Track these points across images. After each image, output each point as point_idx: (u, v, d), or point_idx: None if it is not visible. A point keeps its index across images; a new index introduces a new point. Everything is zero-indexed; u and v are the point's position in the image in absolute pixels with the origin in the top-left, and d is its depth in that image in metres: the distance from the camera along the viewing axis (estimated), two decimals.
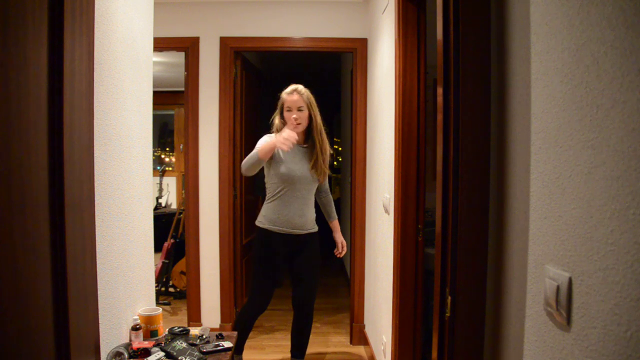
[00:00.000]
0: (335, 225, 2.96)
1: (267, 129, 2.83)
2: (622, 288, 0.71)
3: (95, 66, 1.35)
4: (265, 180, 2.75)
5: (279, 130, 2.67)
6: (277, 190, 2.67)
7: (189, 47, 3.58)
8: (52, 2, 1.08)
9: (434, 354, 1.37)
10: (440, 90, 1.32)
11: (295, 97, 2.62)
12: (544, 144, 0.96)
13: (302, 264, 2.78)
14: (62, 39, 1.11)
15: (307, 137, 2.74)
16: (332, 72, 6.48)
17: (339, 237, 2.95)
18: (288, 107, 2.63)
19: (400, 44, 2.43)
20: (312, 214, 2.76)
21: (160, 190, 6.60)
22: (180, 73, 4.86)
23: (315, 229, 2.81)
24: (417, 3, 2.42)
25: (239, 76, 3.71)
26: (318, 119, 2.69)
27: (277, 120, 2.73)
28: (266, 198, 2.74)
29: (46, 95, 1.09)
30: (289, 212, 2.66)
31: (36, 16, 1.05)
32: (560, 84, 0.89)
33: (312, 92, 2.72)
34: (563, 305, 0.86)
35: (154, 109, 2.19)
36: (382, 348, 2.87)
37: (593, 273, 0.78)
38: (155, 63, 2.55)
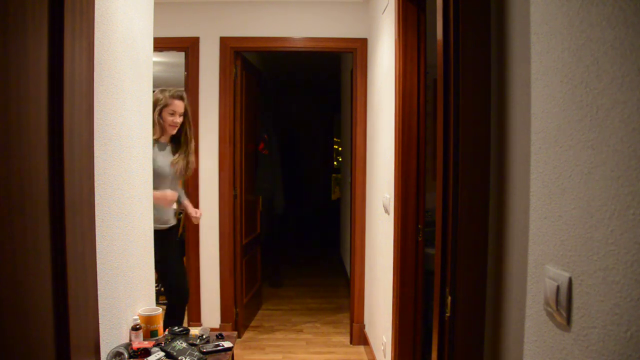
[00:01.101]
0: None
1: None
2: (622, 288, 0.71)
3: (95, 66, 1.35)
4: None
5: (161, 127, 2.76)
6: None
7: (189, 47, 3.58)
8: (52, 2, 1.08)
9: (434, 354, 1.37)
10: (440, 90, 1.32)
11: (181, 103, 2.78)
12: (544, 144, 0.96)
13: (171, 255, 2.93)
14: (62, 39, 1.11)
15: (175, 137, 2.87)
16: (332, 72, 6.47)
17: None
18: (173, 110, 2.76)
19: (400, 44, 2.43)
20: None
21: None
22: (180, 73, 4.85)
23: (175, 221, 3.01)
24: (417, 3, 2.42)
25: (239, 76, 3.70)
26: (188, 125, 2.86)
27: (155, 118, 2.74)
28: None
29: (46, 95, 1.09)
30: (164, 207, 2.80)
31: (36, 16, 1.05)
32: (560, 84, 0.89)
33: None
34: (563, 305, 0.86)
35: None
36: (382, 348, 2.87)
37: (593, 273, 0.78)
38: (155, 63, 2.54)
